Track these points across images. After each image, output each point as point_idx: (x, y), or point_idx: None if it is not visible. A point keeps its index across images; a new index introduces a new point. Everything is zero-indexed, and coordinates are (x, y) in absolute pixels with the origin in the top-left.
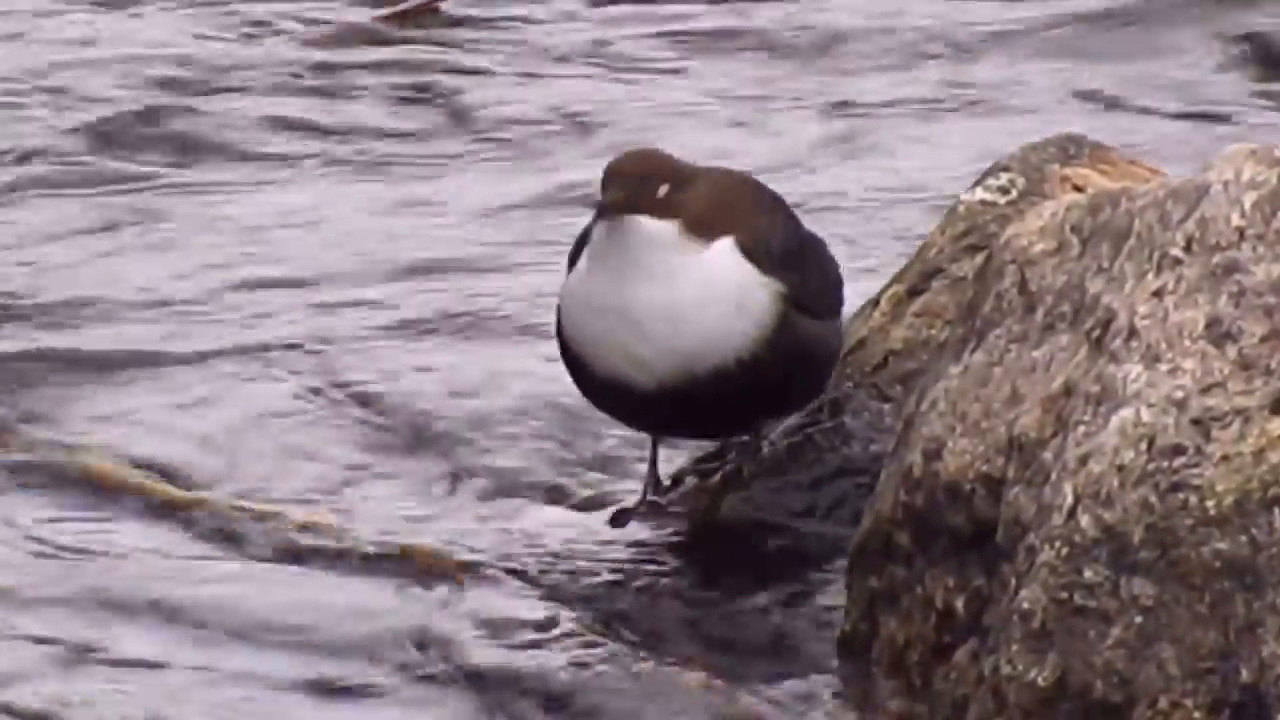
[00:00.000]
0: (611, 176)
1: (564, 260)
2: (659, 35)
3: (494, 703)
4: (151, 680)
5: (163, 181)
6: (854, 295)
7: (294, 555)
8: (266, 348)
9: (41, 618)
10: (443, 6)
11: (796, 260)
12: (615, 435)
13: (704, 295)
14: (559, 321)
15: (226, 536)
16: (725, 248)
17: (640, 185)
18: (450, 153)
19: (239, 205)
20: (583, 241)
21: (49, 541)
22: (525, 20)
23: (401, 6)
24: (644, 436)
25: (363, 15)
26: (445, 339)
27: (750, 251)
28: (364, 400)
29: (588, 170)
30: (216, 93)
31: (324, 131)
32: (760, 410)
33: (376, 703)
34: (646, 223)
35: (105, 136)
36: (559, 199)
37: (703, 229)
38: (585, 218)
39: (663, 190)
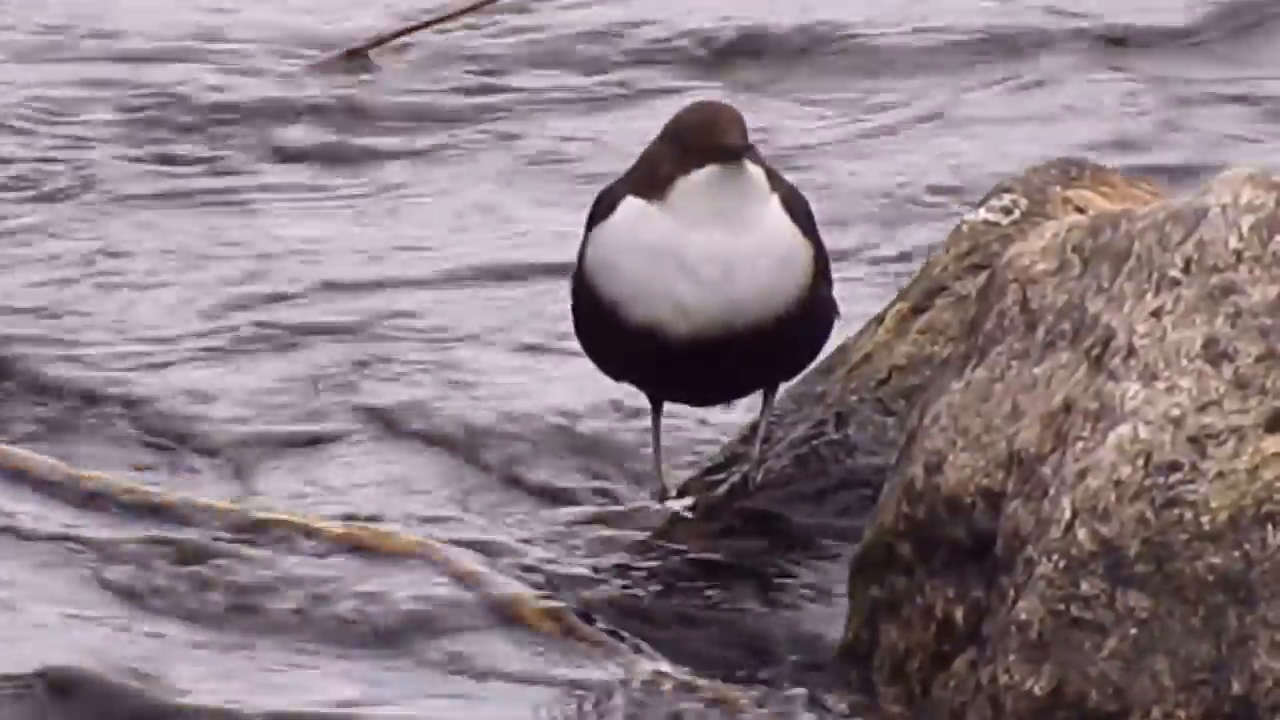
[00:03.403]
0: (734, 122)
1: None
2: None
3: (491, 709)
4: None
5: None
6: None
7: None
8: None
9: None
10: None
11: (815, 228)
12: (621, 443)
13: (761, 247)
14: (589, 268)
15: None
16: (777, 204)
17: (748, 134)
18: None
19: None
20: (611, 192)
21: None
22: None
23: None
24: (648, 444)
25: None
26: (458, 345)
27: (791, 212)
28: (374, 400)
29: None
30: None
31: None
32: (769, 374)
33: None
34: (756, 171)
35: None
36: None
37: (769, 183)
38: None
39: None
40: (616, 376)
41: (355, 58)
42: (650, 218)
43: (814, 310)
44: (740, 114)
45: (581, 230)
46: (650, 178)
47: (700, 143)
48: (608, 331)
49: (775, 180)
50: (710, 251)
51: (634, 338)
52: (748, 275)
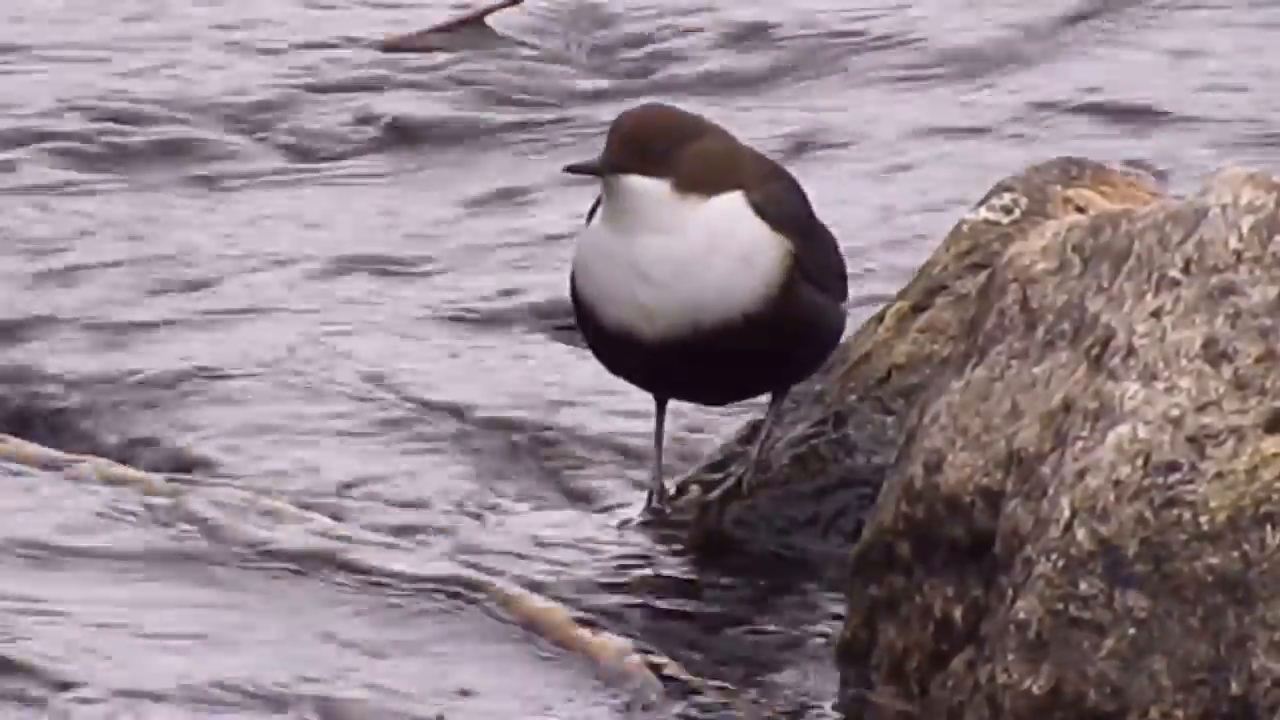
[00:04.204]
0: (610, 135)
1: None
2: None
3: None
4: None
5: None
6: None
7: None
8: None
9: None
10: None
11: (806, 228)
12: (618, 439)
13: (711, 246)
14: (573, 270)
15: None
16: (733, 201)
17: (636, 144)
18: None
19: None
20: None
21: None
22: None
23: (447, 21)
24: (649, 444)
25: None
26: (452, 337)
27: (760, 208)
28: (364, 394)
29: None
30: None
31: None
32: (761, 377)
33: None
34: (637, 181)
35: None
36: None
37: (703, 185)
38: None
39: (661, 148)
40: (616, 374)
41: (399, 49)
42: (603, 226)
43: (795, 310)
44: (641, 121)
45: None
46: None
47: None
48: (594, 333)
49: (728, 177)
50: (658, 254)
51: (613, 339)
52: (700, 274)
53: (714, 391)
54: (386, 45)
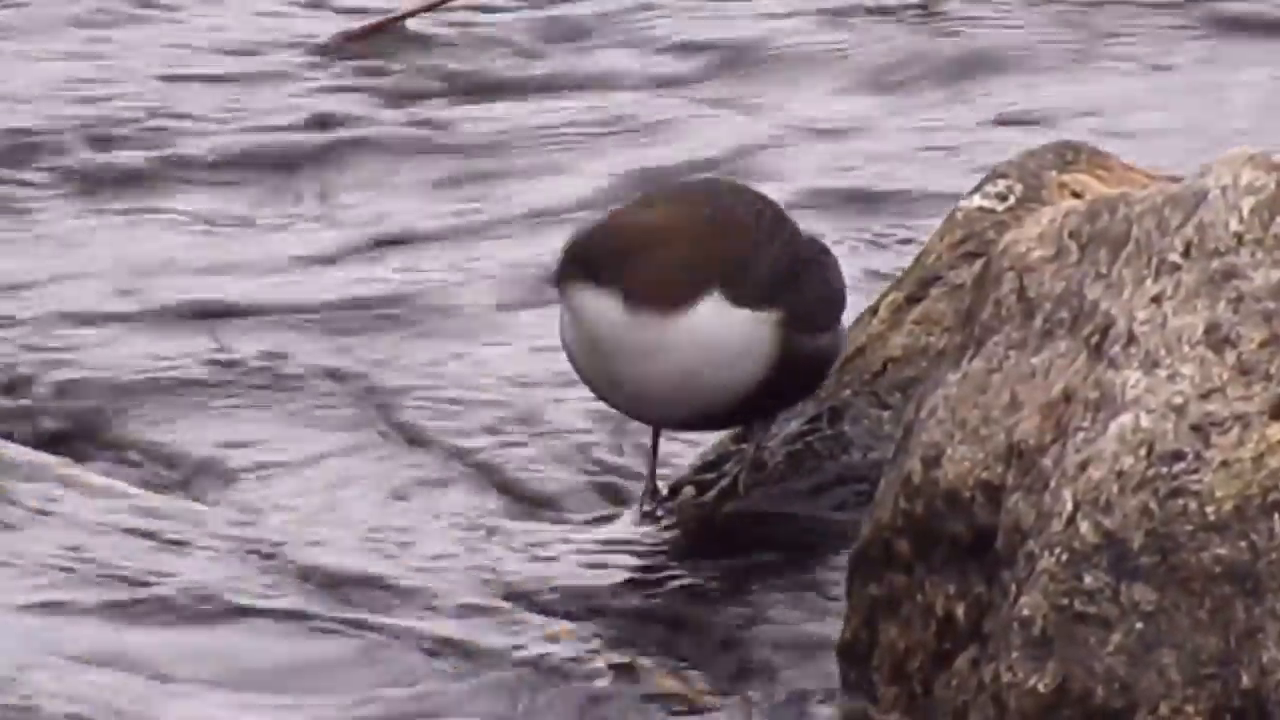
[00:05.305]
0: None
1: None
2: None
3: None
4: None
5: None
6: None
7: None
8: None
9: None
10: (406, 23)
11: (791, 281)
12: (612, 441)
13: (704, 361)
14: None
15: None
16: (710, 307)
17: (585, 254)
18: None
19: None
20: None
21: None
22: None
23: (363, 25)
24: (643, 445)
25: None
26: (445, 335)
27: (739, 295)
28: (356, 396)
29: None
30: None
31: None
32: (759, 414)
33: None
34: (589, 296)
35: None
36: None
37: (669, 297)
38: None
39: (611, 259)
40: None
41: (356, 41)
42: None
43: (794, 365)
44: (594, 229)
45: None
46: None
47: None
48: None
49: (698, 276)
50: (642, 378)
51: (625, 413)
52: (698, 392)
53: (723, 428)
54: (347, 37)
